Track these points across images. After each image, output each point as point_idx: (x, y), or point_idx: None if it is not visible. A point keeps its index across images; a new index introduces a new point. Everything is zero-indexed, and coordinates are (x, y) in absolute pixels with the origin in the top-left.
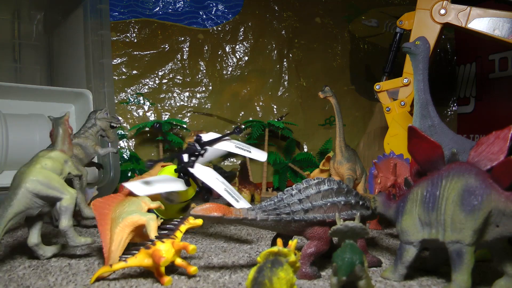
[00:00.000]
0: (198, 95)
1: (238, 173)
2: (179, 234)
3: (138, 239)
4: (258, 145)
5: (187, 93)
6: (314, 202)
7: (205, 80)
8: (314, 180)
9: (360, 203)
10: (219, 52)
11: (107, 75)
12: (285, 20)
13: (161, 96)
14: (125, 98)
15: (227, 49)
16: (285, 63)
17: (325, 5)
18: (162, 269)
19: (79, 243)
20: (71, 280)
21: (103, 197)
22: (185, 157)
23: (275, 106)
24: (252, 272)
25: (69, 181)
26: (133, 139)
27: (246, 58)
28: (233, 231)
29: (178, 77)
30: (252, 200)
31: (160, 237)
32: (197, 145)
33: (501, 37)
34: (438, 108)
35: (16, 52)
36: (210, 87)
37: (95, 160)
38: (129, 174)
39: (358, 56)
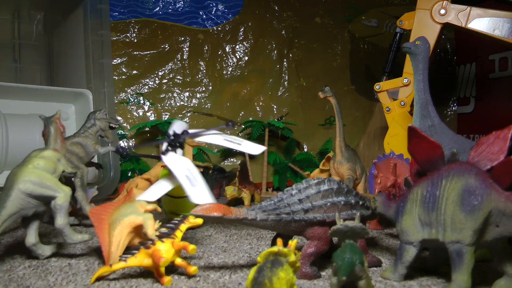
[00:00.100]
0: (198, 95)
1: (238, 173)
2: (179, 234)
3: (137, 241)
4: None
5: (187, 93)
6: (314, 202)
7: (205, 80)
8: (314, 180)
9: (360, 203)
10: (219, 52)
11: (107, 75)
12: (285, 20)
13: (161, 96)
14: (125, 98)
15: (227, 49)
16: (285, 63)
17: (325, 5)
18: (162, 269)
19: (76, 240)
20: (71, 280)
21: (99, 205)
22: (164, 146)
23: (275, 106)
24: (252, 272)
25: (69, 181)
26: (133, 139)
27: (246, 58)
28: (233, 231)
29: (178, 77)
30: (252, 200)
31: (160, 237)
32: (172, 136)
33: (501, 37)
34: (438, 108)
35: (16, 52)
36: (210, 87)
37: (95, 160)
38: (129, 174)
39: (358, 56)
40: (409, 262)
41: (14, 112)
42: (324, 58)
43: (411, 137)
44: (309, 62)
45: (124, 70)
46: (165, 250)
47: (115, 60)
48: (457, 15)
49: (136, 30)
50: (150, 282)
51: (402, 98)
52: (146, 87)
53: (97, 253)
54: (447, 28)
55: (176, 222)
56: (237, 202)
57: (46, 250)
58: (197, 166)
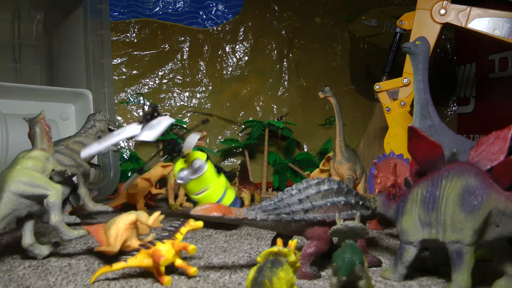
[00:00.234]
0: (198, 95)
1: (238, 173)
2: (179, 236)
3: (134, 241)
4: (258, 145)
5: (187, 93)
6: (314, 202)
7: (205, 80)
8: (314, 180)
9: (360, 203)
10: (219, 52)
11: (107, 75)
12: (285, 20)
13: (161, 96)
14: (125, 98)
15: (227, 49)
16: (285, 63)
17: (325, 5)
18: (162, 268)
19: (72, 236)
20: (71, 280)
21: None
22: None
23: (275, 106)
24: (252, 272)
25: (70, 180)
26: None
27: (246, 58)
28: (233, 231)
29: (178, 77)
30: (252, 200)
31: (160, 239)
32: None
33: (501, 37)
34: (438, 108)
35: (16, 52)
36: (210, 87)
37: (95, 161)
38: (129, 174)
39: (358, 56)
40: (409, 262)
41: (14, 112)
42: (324, 58)
43: (411, 137)
44: (309, 62)
45: (124, 70)
46: (166, 250)
47: (115, 60)
48: (457, 15)
49: (136, 30)
50: (150, 282)
51: (402, 98)
52: (146, 87)
53: (97, 253)
54: (447, 28)
55: (177, 225)
56: None
57: (44, 249)
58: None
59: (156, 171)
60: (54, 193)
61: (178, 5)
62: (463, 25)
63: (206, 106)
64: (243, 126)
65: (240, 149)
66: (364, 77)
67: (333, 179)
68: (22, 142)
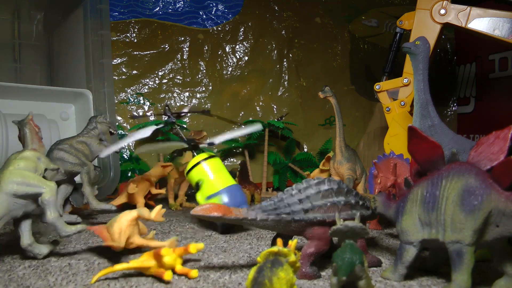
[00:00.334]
0: (198, 95)
1: (238, 173)
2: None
3: (137, 238)
4: (258, 145)
5: (187, 93)
6: (314, 202)
7: (205, 80)
8: (314, 180)
9: (360, 203)
10: (219, 52)
11: (107, 75)
12: (285, 20)
13: (161, 96)
14: (125, 98)
15: (227, 49)
16: (285, 63)
17: (325, 5)
18: (164, 260)
19: (70, 232)
20: (71, 280)
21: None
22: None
23: (275, 106)
24: (252, 272)
25: (72, 179)
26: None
27: (246, 58)
28: (233, 231)
29: (178, 77)
30: (252, 200)
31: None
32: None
33: (501, 37)
34: (438, 108)
35: (16, 52)
36: (210, 87)
37: (95, 162)
38: (129, 174)
39: (358, 56)
40: (409, 262)
41: (14, 112)
42: (324, 58)
43: (411, 137)
44: (309, 62)
45: (124, 70)
46: (167, 251)
47: (115, 60)
48: (457, 15)
49: (136, 30)
50: (150, 282)
51: (402, 98)
52: (146, 87)
53: (97, 253)
54: (447, 28)
55: None
56: None
57: (43, 249)
58: None
59: (156, 171)
60: (48, 190)
61: (178, 5)
62: (463, 25)
63: (206, 106)
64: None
65: (240, 149)
66: (364, 77)
67: (333, 179)
68: None
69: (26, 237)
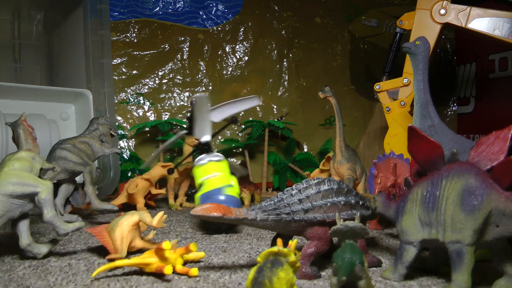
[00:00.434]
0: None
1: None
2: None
3: (139, 242)
4: (258, 145)
5: (187, 93)
6: (314, 202)
7: (205, 80)
8: (314, 180)
9: (360, 203)
10: (219, 52)
11: (107, 75)
12: (285, 20)
13: (161, 96)
14: (125, 98)
15: (227, 49)
16: (285, 63)
17: (325, 5)
18: (165, 253)
19: (68, 229)
20: (71, 280)
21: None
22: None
23: (275, 106)
24: (252, 272)
25: (74, 179)
26: (133, 139)
27: (246, 58)
28: (233, 231)
29: (178, 77)
30: (252, 200)
31: None
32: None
33: (501, 37)
34: (438, 108)
35: (16, 52)
36: (210, 87)
37: (95, 164)
38: (129, 174)
39: (358, 56)
40: (409, 262)
41: (14, 112)
42: (324, 58)
43: (411, 137)
44: (309, 62)
45: (124, 70)
46: (167, 242)
47: (115, 60)
48: (457, 15)
49: (136, 30)
50: (150, 282)
51: (402, 98)
52: (146, 87)
53: (97, 253)
54: (447, 28)
55: None
56: None
57: (42, 248)
58: None
59: (156, 171)
60: (44, 189)
61: (178, 5)
62: (463, 25)
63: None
64: (243, 126)
65: (240, 149)
66: (364, 77)
67: (333, 179)
68: None
69: (24, 238)
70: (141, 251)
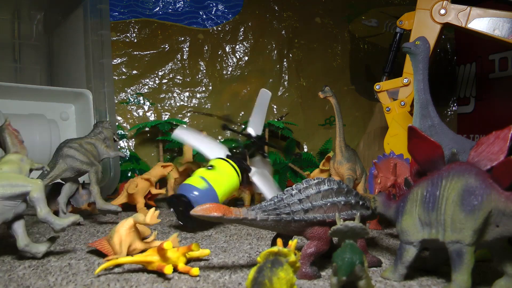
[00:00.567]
0: (198, 95)
1: None
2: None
3: (138, 244)
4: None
5: (187, 93)
6: (314, 202)
7: (205, 80)
8: (314, 180)
9: (360, 203)
10: (219, 52)
11: (107, 75)
12: (285, 20)
13: (161, 96)
14: (125, 98)
15: (227, 49)
16: (285, 63)
17: (325, 5)
18: (166, 253)
19: (63, 224)
20: (71, 280)
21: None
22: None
23: (275, 106)
24: (252, 272)
25: (77, 178)
26: (133, 139)
27: (246, 58)
28: (233, 231)
29: (178, 77)
30: (252, 200)
31: None
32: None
33: (501, 37)
34: (438, 108)
35: (16, 52)
36: (210, 87)
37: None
38: (129, 174)
39: (358, 56)
40: (409, 262)
41: (14, 112)
42: (324, 58)
43: (411, 137)
44: (309, 62)
45: (124, 70)
46: (169, 242)
47: (115, 60)
48: (457, 15)
49: (136, 30)
50: (150, 282)
51: (402, 98)
52: (146, 87)
53: (97, 253)
54: (447, 28)
55: None
56: (237, 202)
57: (41, 247)
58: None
59: (156, 171)
60: (35, 187)
61: (178, 5)
62: (463, 25)
63: (206, 106)
64: (243, 126)
65: (240, 149)
66: (364, 77)
67: (333, 179)
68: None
69: (21, 239)
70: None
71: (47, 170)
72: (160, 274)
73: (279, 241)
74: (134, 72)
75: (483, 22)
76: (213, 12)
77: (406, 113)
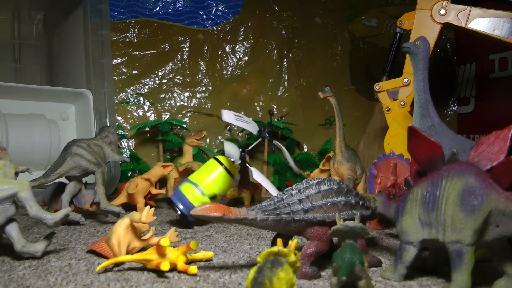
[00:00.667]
0: (198, 95)
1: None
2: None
3: (137, 242)
4: (258, 145)
5: (187, 93)
6: (314, 202)
7: (205, 80)
8: (314, 180)
9: (360, 203)
10: (219, 52)
11: (107, 75)
12: (285, 20)
13: (161, 96)
14: (125, 98)
15: (227, 49)
16: (285, 63)
17: (325, 5)
18: (164, 250)
19: (56, 218)
20: (71, 280)
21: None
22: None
23: (275, 106)
24: (252, 272)
25: (81, 178)
26: (133, 139)
27: (246, 58)
28: (233, 231)
29: (178, 77)
30: (252, 200)
31: None
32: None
33: (501, 37)
34: (438, 108)
35: (16, 52)
36: (210, 87)
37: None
38: (129, 174)
39: (358, 56)
40: (409, 262)
41: (14, 112)
42: (324, 58)
43: (411, 137)
44: (309, 62)
45: (124, 70)
46: (166, 239)
47: (115, 60)
48: (457, 15)
49: (136, 30)
50: (150, 282)
51: (402, 98)
52: (146, 87)
53: (97, 253)
54: (447, 28)
55: None
56: (237, 202)
57: (38, 246)
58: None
59: (156, 171)
60: (22, 187)
61: (178, 5)
62: (463, 25)
63: (206, 106)
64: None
65: (240, 149)
66: (364, 77)
67: (333, 179)
68: (22, 142)
69: (17, 241)
70: (143, 250)
71: (31, 172)
72: (160, 274)
73: (279, 241)
74: (134, 72)
75: (483, 22)
76: (213, 12)
77: (406, 113)
